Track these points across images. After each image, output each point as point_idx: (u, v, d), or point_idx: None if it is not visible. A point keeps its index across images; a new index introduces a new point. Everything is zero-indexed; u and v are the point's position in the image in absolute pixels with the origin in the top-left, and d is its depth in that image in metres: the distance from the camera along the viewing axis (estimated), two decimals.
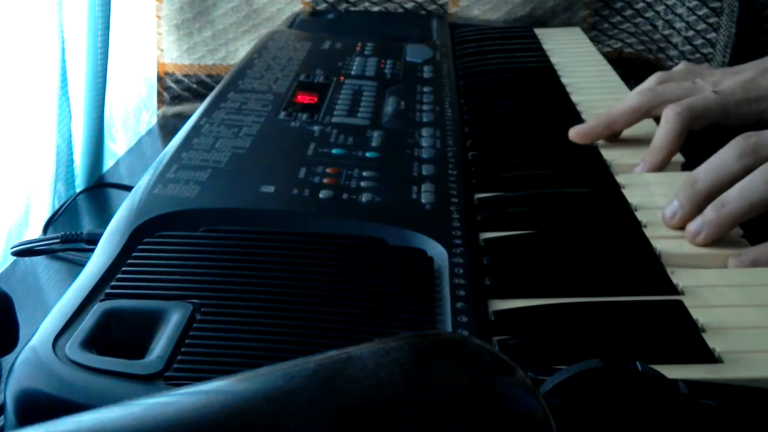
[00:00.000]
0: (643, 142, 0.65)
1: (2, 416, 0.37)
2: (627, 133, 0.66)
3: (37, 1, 0.73)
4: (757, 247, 0.48)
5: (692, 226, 0.49)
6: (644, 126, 0.66)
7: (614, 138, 0.65)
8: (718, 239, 0.48)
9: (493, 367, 0.25)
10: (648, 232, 0.50)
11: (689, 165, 0.60)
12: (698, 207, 0.50)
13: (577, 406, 0.31)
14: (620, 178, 0.58)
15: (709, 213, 0.49)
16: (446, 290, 0.43)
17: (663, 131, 0.60)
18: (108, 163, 0.89)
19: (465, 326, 0.40)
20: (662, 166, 0.60)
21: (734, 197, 0.48)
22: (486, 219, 0.52)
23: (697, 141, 0.62)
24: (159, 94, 1.04)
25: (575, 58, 0.87)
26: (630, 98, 0.65)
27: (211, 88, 0.85)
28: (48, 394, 0.35)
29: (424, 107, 0.68)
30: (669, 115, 0.60)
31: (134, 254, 0.44)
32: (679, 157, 0.61)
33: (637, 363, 0.32)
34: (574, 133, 0.64)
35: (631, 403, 0.31)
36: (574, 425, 0.30)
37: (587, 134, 0.64)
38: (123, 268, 0.43)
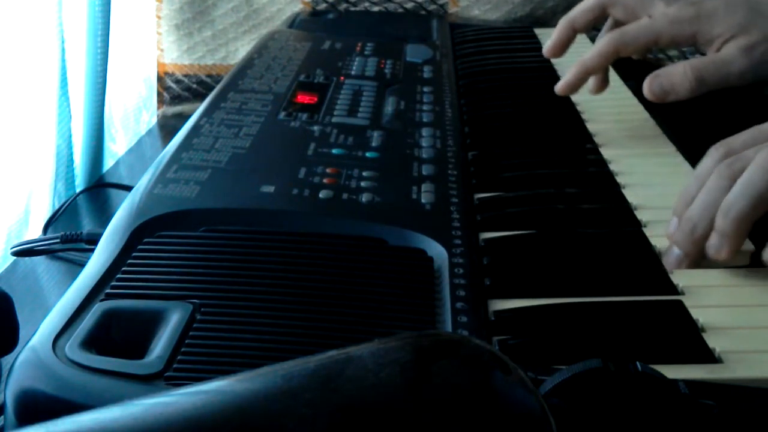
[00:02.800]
0: (643, 141, 0.65)
1: (2, 416, 0.37)
2: (627, 132, 0.66)
3: (37, 1, 0.73)
4: None
5: (711, 242, 0.46)
6: (644, 125, 0.66)
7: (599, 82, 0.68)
8: (741, 244, 0.46)
9: (492, 367, 0.25)
10: (648, 232, 0.50)
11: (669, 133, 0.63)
12: (700, 247, 0.47)
13: (577, 406, 0.31)
14: (620, 178, 0.58)
15: (720, 223, 0.46)
16: (446, 290, 0.43)
17: (594, 48, 0.65)
18: (108, 163, 0.89)
19: (465, 326, 0.40)
20: (580, 78, 0.65)
21: (737, 197, 0.46)
22: (486, 219, 0.52)
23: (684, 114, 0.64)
24: (159, 94, 1.04)
25: (575, 58, 0.86)
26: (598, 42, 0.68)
27: (211, 88, 0.85)
28: (48, 394, 0.35)
29: (424, 107, 0.68)
30: (603, 39, 0.65)
31: (134, 254, 0.44)
32: (687, 167, 0.61)
33: (637, 363, 0.32)
34: (546, 51, 0.69)
35: (631, 403, 0.31)
36: (574, 425, 0.30)
37: (555, 45, 0.68)
38: (123, 268, 0.43)
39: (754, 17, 0.61)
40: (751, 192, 0.45)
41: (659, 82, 0.61)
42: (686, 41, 0.64)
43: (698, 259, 0.47)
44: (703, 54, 0.64)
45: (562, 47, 0.69)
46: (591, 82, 0.68)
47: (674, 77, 0.61)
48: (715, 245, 0.46)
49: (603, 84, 0.68)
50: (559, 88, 0.66)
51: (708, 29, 0.62)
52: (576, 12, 0.69)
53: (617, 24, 0.69)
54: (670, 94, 0.61)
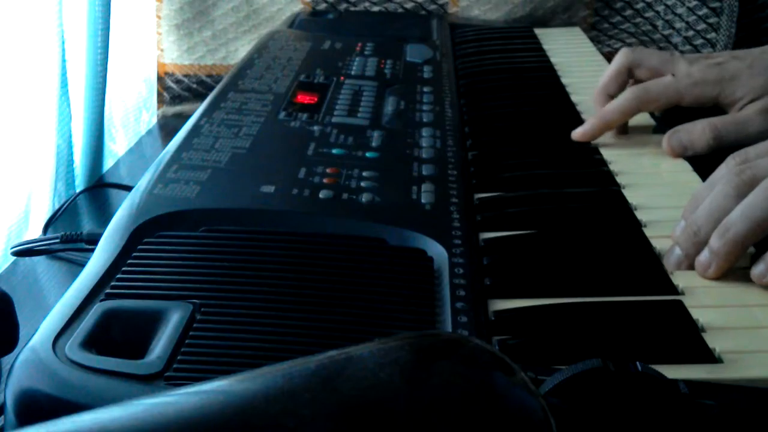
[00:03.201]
0: (643, 141, 0.65)
1: (2, 416, 0.37)
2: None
3: (37, 1, 0.73)
4: None
5: (700, 259, 0.46)
6: (644, 125, 0.66)
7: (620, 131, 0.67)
8: (730, 268, 0.46)
9: (492, 367, 0.25)
10: (648, 232, 0.50)
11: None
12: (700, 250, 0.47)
13: (577, 406, 0.31)
14: (620, 178, 0.58)
15: (715, 241, 0.46)
16: (446, 290, 0.43)
17: (615, 103, 0.65)
18: (108, 163, 0.89)
19: (465, 326, 0.40)
20: (598, 131, 0.64)
21: (737, 219, 0.46)
22: (486, 219, 0.52)
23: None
24: (159, 94, 1.04)
25: (575, 58, 0.87)
26: (615, 60, 0.69)
27: (211, 88, 0.85)
28: (48, 394, 0.35)
29: (424, 107, 0.68)
30: (626, 93, 0.65)
31: (134, 254, 0.44)
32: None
33: (637, 363, 0.32)
34: (576, 136, 0.65)
35: (631, 403, 0.31)
36: (574, 425, 0.30)
37: (585, 135, 0.65)
38: (123, 268, 0.43)
39: None
40: (751, 216, 0.45)
41: (678, 137, 0.62)
42: (708, 102, 0.64)
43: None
44: (724, 111, 0.64)
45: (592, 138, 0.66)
46: (582, 128, 0.66)
47: (693, 134, 0.61)
48: (703, 262, 0.46)
49: (623, 132, 0.66)
50: (576, 135, 0.65)
51: (731, 91, 0.63)
52: (606, 80, 0.69)
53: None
54: (688, 149, 0.61)
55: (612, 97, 0.67)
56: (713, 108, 0.64)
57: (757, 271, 0.45)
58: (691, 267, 0.47)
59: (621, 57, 0.69)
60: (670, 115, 0.66)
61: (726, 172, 0.48)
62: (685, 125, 0.62)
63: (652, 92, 0.64)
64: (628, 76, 0.68)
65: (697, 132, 0.61)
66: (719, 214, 0.46)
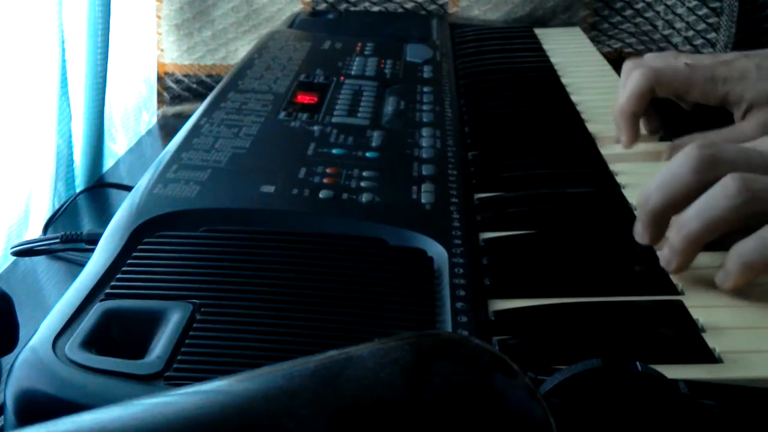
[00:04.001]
0: (643, 141, 0.65)
1: (2, 416, 0.37)
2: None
3: (37, 1, 0.73)
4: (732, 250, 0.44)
5: (663, 254, 0.46)
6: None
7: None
8: (689, 263, 0.45)
9: (492, 367, 0.25)
10: None
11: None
12: (656, 227, 0.47)
13: (577, 406, 0.31)
14: (620, 178, 0.58)
15: (673, 237, 0.45)
16: (446, 290, 0.43)
17: (626, 89, 0.62)
18: (108, 163, 0.89)
19: (465, 326, 0.40)
20: (631, 127, 0.62)
21: (691, 217, 0.45)
22: (486, 219, 0.52)
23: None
24: (159, 94, 1.04)
25: (575, 58, 0.87)
26: (633, 82, 0.64)
27: (211, 88, 0.85)
28: (48, 394, 0.35)
29: (424, 107, 0.68)
30: (635, 73, 0.62)
31: (134, 254, 0.44)
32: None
33: (637, 363, 0.32)
34: (627, 145, 0.63)
35: (631, 403, 0.31)
36: (574, 425, 0.30)
37: (632, 136, 0.63)
38: (123, 268, 0.43)
39: None
40: (706, 216, 0.44)
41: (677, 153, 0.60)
42: (715, 101, 0.62)
43: (653, 236, 0.47)
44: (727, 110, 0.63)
45: (636, 136, 0.64)
46: (624, 136, 0.63)
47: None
48: (665, 257, 0.46)
49: (635, 138, 0.64)
50: (624, 145, 0.63)
51: (740, 92, 0.61)
52: (630, 101, 0.63)
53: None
54: None
55: (638, 117, 0.64)
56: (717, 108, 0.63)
57: (717, 279, 0.45)
58: (650, 242, 0.47)
59: (641, 78, 0.63)
60: (667, 110, 0.65)
61: (689, 147, 0.46)
62: (684, 139, 0.61)
63: (666, 75, 0.62)
64: (651, 96, 0.64)
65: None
66: (671, 187, 0.46)
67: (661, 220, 0.47)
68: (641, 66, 0.63)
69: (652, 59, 0.66)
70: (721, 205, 0.44)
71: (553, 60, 0.85)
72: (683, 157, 0.46)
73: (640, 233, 0.48)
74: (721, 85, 0.62)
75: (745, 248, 0.43)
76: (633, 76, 0.63)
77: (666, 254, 0.46)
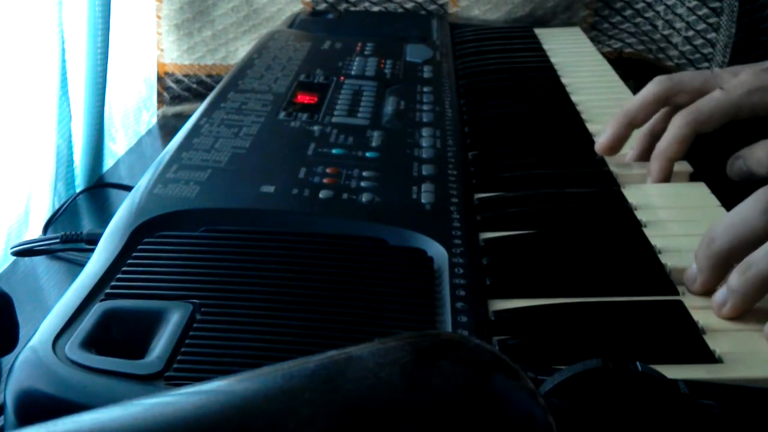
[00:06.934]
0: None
1: (2, 416, 0.37)
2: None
3: (37, 1, 0.73)
4: None
5: (717, 296, 0.43)
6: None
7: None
8: (748, 309, 0.42)
9: (492, 367, 0.25)
10: (648, 232, 0.50)
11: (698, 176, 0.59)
12: (718, 270, 0.44)
13: (577, 406, 0.31)
14: (620, 178, 0.58)
15: (734, 279, 0.42)
16: (446, 290, 0.43)
17: (667, 135, 0.58)
18: (108, 163, 0.89)
19: (465, 326, 0.40)
20: (666, 171, 0.58)
21: (761, 258, 0.41)
22: (486, 219, 0.52)
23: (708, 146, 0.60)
24: (159, 94, 1.04)
25: (575, 58, 0.87)
26: (647, 88, 0.62)
27: (211, 88, 0.85)
28: (48, 394, 0.35)
29: (424, 107, 0.68)
30: (676, 121, 0.58)
31: (134, 254, 0.44)
32: (686, 167, 0.59)
33: (637, 363, 0.32)
34: (600, 148, 0.61)
35: (631, 403, 0.31)
36: (574, 425, 0.30)
37: (611, 142, 0.61)
38: (123, 268, 0.43)
39: None
40: None
41: (739, 165, 0.58)
42: (766, 110, 0.58)
43: (712, 280, 0.44)
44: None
45: (619, 146, 0.61)
46: (651, 179, 0.59)
47: (753, 160, 0.57)
48: (718, 300, 0.43)
49: (666, 178, 0.59)
50: (655, 179, 0.59)
51: None
52: (634, 108, 0.61)
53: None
54: (751, 174, 0.57)
55: (635, 127, 0.62)
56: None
57: (714, 300, 0.43)
58: (705, 285, 0.44)
59: (655, 86, 0.61)
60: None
61: (761, 190, 0.44)
62: (744, 150, 0.58)
63: (705, 111, 0.58)
64: (662, 106, 0.61)
65: (756, 158, 0.57)
66: (739, 228, 0.43)
67: (724, 264, 0.44)
68: (680, 111, 0.59)
69: (688, 79, 0.62)
70: None
71: (553, 60, 0.85)
72: (753, 199, 0.44)
73: (694, 277, 0.45)
74: None
75: None
76: (675, 124, 0.58)
77: (721, 297, 0.43)
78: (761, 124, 0.59)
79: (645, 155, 0.60)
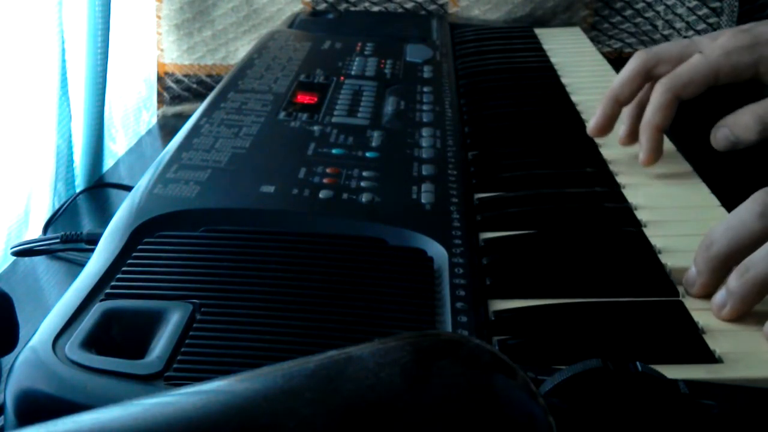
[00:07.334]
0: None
1: (2, 416, 0.37)
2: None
3: (37, 1, 0.73)
4: None
5: (716, 298, 0.43)
6: None
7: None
8: (747, 311, 0.42)
9: (492, 367, 0.25)
10: (648, 232, 0.50)
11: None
12: (717, 273, 0.44)
13: (577, 406, 0.31)
14: (620, 178, 0.58)
15: (733, 281, 0.42)
16: (446, 290, 0.43)
17: (650, 105, 0.59)
18: (108, 163, 0.89)
19: (465, 326, 0.40)
20: (655, 141, 0.59)
21: (759, 260, 0.41)
22: (486, 219, 0.52)
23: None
24: (159, 94, 1.04)
25: (575, 58, 0.87)
26: (628, 64, 0.62)
27: (211, 88, 0.85)
28: (48, 394, 0.35)
29: (424, 107, 0.68)
30: (657, 89, 0.59)
31: (134, 254, 0.44)
32: (686, 167, 0.60)
33: (637, 363, 0.32)
34: (591, 130, 0.63)
35: (631, 403, 0.31)
36: (574, 425, 0.30)
37: (600, 122, 0.62)
38: (123, 268, 0.43)
39: None
40: None
41: (724, 133, 0.57)
42: (748, 70, 0.58)
43: (711, 283, 0.44)
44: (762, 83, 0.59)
45: (609, 125, 0.62)
46: (643, 152, 0.60)
47: (738, 127, 0.57)
48: (718, 302, 0.43)
49: (658, 156, 0.60)
50: (643, 160, 0.59)
51: None
52: (618, 85, 0.62)
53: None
54: (737, 143, 0.57)
55: (623, 104, 0.62)
56: (748, 85, 0.59)
57: (713, 302, 0.43)
58: (705, 287, 0.44)
59: (635, 60, 0.62)
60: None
61: (758, 193, 0.44)
62: (727, 118, 0.58)
63: (684, 75, 0.58)
64: (645, 80, 0.62)
65: (742, 124, 0.56)
66: (737, 231, 0.43)
67: (723, 267, 0.44)
68: (660, 80, 0.60)
69: (666, 49, 0.62)
70: None
71: (553, 60, 0.85)
72: (751, 202, 0.44)
73: (693, 280, 0.45)
74: (749, 54, 0.57)
75: None
76: (656, 92, 0.59)
77: (720, 299, 0.43)
78: (742, 94, 0.59)
79: (636, 129, 0.61)
